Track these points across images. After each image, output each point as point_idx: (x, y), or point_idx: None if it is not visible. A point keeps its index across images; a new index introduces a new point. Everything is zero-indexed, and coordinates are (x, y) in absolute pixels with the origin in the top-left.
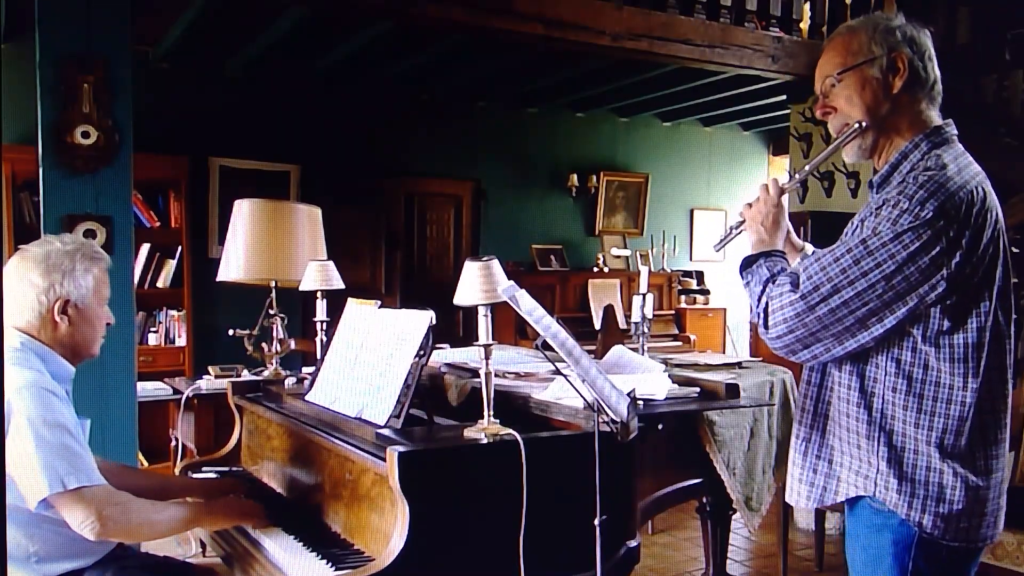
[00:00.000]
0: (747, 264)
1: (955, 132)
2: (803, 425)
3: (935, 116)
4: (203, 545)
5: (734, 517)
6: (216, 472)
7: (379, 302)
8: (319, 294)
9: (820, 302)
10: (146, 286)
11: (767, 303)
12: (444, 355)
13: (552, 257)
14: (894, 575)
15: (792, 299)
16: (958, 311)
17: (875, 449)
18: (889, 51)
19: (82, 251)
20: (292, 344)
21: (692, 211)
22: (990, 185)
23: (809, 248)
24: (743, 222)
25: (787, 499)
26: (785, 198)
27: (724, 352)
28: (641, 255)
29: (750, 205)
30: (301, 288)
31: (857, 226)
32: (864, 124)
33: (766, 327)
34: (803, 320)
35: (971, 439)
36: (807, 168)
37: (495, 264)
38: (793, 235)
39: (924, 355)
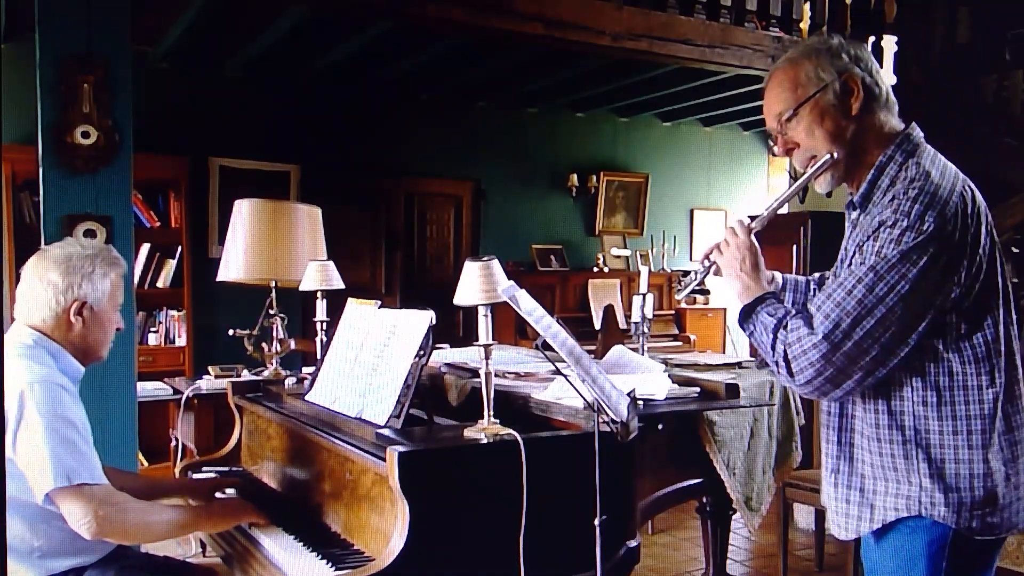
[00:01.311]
0: (745, 315)
1: (921, 134)
2: (830, 457)
3: (897, 123)
4: (203, 545)
5: (734, 517)
6: (216, 472)
7: (379, 302)
8: (319, 294)
9: (844, 338)
10: (146, 286)
11: (785, 351)
12: (444, 355)
13: (552, 257)
14: (929, 575)
15: (815, 341)
16: (973, 313)
17: (915, 467)
18: (839, 74)
19: (102, 255)
20: (292, 344)
21: (692, 211)
22: (971, 182)
23: (779, 276)
24: (709, 266)
25: (832, 531)
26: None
27: (724, 352)
28: (641, 255)
29: (718, 248)
30: (301, 288)
31: (854, 252)
32: (836, 155)
33: (790, 374)
34: (830, 360)
35: (1005, 430)
36: (774, 205)
37: (495, 264)
38: (764, 269)
39: (947, 363)
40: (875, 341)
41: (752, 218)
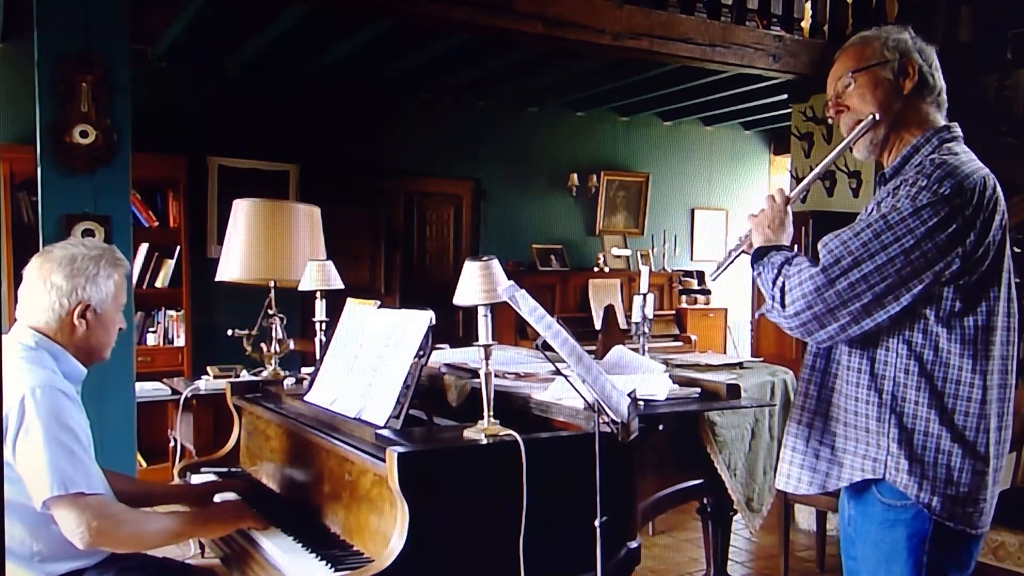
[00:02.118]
0: (759, 255)
1: (961, 134)
2: (804, 410)
3: (941, 119)
4: (202, 546)
5: (735, 518)
6: (215, 473)
7: (379, 302)
8: (318, 294)
9: (840, 275)
10: (144, 286)
11: (783, 283)
12: (444, 355)
13: (552, 257)
14: (909, 569)
15: (812, 272)
16: (970, 292)
17: (885, 431)
18: (901, 56)
19: (106, 257)
20: (291, 344)
21: (693, 211)
22: (995, 177)
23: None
24: (745, 240)
25: (779, 485)
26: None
27: (725, 352)
28: (642, 255)
29: (754, 216)
30: (300, 288)
31: (873, 208)
32: (877, 117)
33: (783, 305)
34: (822, 295)
35: (979, 423)
36: (816, 173)
37: (495, 264)
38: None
39: (935, 337)
40: (869, 287)
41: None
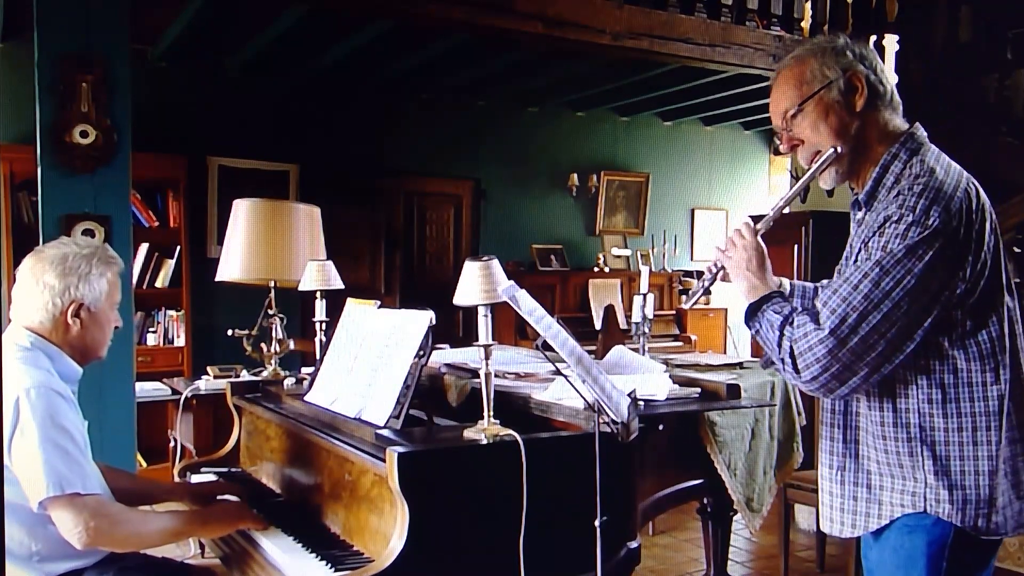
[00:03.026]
0: (751, 313)
1: (925, 133)
2: (833, 455)
3: (901, 123)
4: (202, 546)
5: (735, 518)
6: (215, 473)
7: (378, 302)
8: (318, 294)
9: (850, 333)
10: (144, 286)
11: (791, 347)
12: (444, 355)
13: (552, 257)
14: (928, 575)
15: (821, 337)
16: (978, 309)
17: (920, 464)
18: (843, 72)
19: (99, 255)
20: (291, 344)
21: (693, 211)
22: (975, 180)
23: (786, 283)
24: (716, 272)
25: (824, 528)
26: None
27: (725, 352)
28: (642, 255)
29: (723, 250)
30: (300, 288)
31: (860, 249)
32: (839, 150)
33: (796, 371)
34: (836, 356)
35: (1010, 428)
36: (779, 205)
37: (495, 264)
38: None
39: (952, 360)
40: (881, 336)
41: (757, 219)
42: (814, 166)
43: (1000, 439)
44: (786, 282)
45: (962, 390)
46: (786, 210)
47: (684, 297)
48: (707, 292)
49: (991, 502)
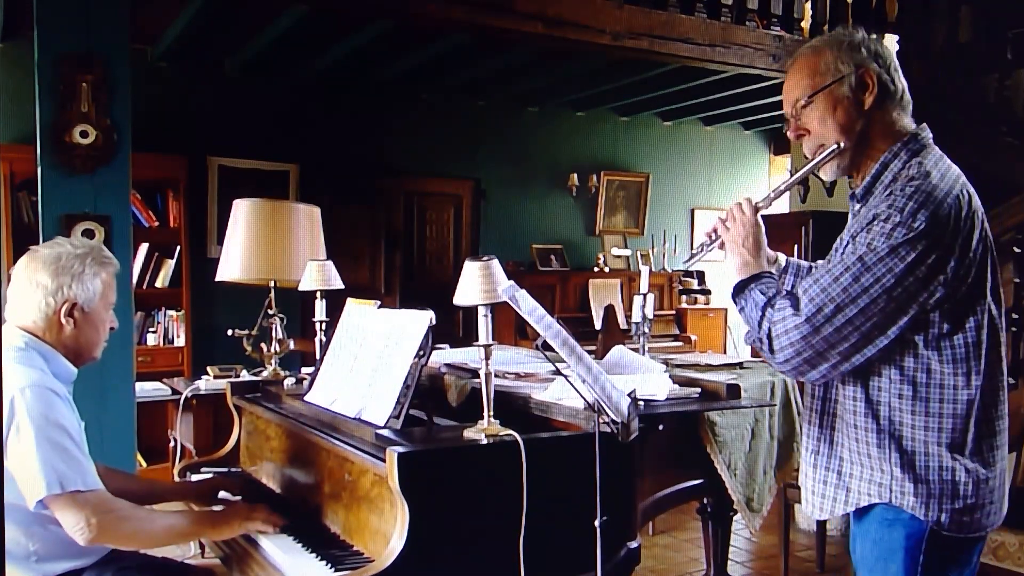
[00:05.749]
0: (739, 290)
1: (930, 136)
2: (811, 438)
3: (909, 123)
4: (202, 546)
5: (735, 518)
6: (215, 473)
7: (379, 302)
8: (318, 294)
9: (825, 323)
10: (144, 286)
11: (769, 328)
12: (444, 355)
13: (552, 257)
14: (906, 569)
15: (797, 322)
16: (956, 314)
17: (887, 456)
18: (856, 68)
19: (92, 255)
20: (291, 344)
21: (693, 211)
22: (972, 187)
23: (782, 258)
24: (715, 238)
25: (804, 510)
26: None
27: (725, 352)
28: (642, 255)
29: (723, 222)
30: (300, 288)
31: (848, 242)
32: (842, 145)
33: (771, 352)
34: (809, 342)
35: (977, 433)
36: (780, 188)
37: (495, 264)
38: (767, 248)
39: (926, 360)
40: (855, 329)
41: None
42: (817, 158)
43: (967, 442)
44: (782, 257)
45: (933, 390)
46: (785, 210)
47: (684, 258)
48: (703, 255)
49: (954, 499)
